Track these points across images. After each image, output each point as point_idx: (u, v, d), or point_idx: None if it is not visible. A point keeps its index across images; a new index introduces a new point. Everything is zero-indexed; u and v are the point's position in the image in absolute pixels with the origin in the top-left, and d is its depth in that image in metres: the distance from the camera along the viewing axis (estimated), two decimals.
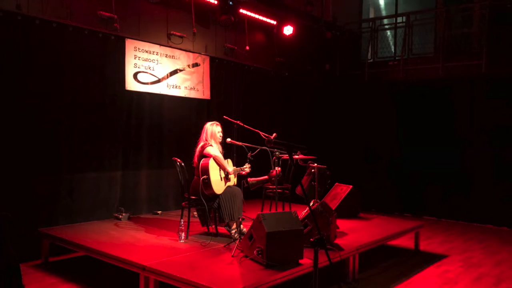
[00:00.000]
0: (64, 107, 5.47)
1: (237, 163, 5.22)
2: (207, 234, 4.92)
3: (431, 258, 5.74)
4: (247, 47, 7.67)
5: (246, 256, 3.99)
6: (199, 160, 4.75)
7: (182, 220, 4.68)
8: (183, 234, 4.62)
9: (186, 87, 6.90)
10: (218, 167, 4.74)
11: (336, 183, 6.42)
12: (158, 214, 6.30)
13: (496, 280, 4.93)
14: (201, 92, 7.14)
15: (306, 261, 3.92)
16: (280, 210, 5.11)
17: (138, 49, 6.24)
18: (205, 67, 7.18)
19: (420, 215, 8.76)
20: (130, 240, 4.69)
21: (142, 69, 6.28)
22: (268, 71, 8.41)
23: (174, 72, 6.73)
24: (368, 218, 6.29)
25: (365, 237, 5.07)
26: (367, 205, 8.35)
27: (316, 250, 2.75)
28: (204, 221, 4.93)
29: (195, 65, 7.03)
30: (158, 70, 6.50)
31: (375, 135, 9.44)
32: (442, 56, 8.55)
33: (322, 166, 5.44)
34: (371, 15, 11.48)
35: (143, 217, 6.04)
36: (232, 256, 4.06)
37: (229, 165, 4.90)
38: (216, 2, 6.91)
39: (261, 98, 8.25)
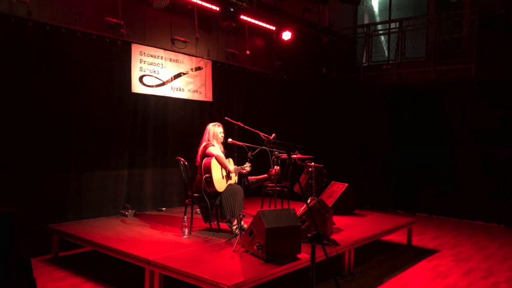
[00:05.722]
0: (73, 108, 5.47)
1: (238, 162, 5.22)
2: (210, 230, 4.92)
3: (423, 253, 5.74)
4: (248, 52, 7.67)
5: (247, 251, 3.99)
6: (201, 159, 4.75)
7: (185, 217, 4.68)
8: (186, 230, 4.63)
9: (189, 89, 6.90)
10: (219, 166, 4.74)
11: (332, 181, 6.42)
12: (162, 211, 6.29)
13: (485, 274, 4.93)
14: (204, 94, 7.14)
15: (304, 256, 3.92)
16: (279, 207, 5.11)
17: (144, 53, 6.24)
18: (207, 71, 7.18)
19: (412, 212, 8.76)
20: (136, 235, 4.69)
21: (147, 72, 6.28)
22: (268, 74, 8.41)
23: (178, 75, 6.73)
24: (363, 215, 6.28)
25: (360, 232, 5.06)
26: (362, 202, 8.37)
27: (313, 245, 2.75)
28: (206, 218, 4.93)
29: (198, 68, 7.03)
30: (163, 73, 6.50)
31: (370, 135, 9.44)
32: (434, 60, 8.55)
33: (319, 165, 5.44)
34: (366, 21, 11.48)
35: (148, 214, 6.04)
36: (233, 251, 4.06)
37: (230, 164, 4.90)
38: (218, 9, 6.92)
39: (261, 100, 8.25)
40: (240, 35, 7.64)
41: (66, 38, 5.38)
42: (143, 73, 6.23)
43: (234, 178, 4.97)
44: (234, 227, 4.67)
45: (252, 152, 5.00)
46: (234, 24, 6.98)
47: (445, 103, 8.55)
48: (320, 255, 3.49)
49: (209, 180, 4.59)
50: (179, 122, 6.77)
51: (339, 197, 6.08)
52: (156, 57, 6.41)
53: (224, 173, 4.80)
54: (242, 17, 7.26)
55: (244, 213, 4.78)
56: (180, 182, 5.97)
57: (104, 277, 4.43)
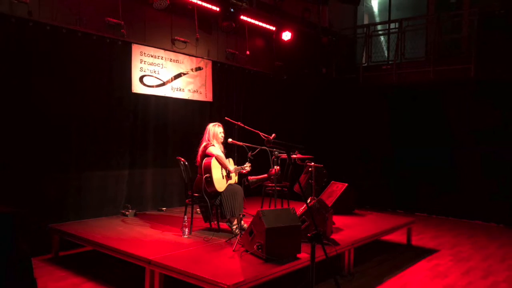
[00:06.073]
0: (74, 109, 5.47)
1: (238, 162, 5.22)
2: (210, 229, 4.92)
3: (423, 253, 5.74)
4: (248, 52, 7.67)
5: (247, 251, 3.99)
6: (201, 159, 4.75)
7: (185, 217, 4.68)
8: (186, 230, 4.63)
9: (189, 90, 6.90)
10: (220, 166, 4.75)
11: (332, 181, 6.42)
12: (162, 210, 6.30)
13: (484, 273, 4.93)
14: (204, 94, 7.14)
15: (304, 256, 3.92)
16: (279, 207, 5.11)
17: (144, 53, 6.24)
18: (207, 71, 7.18)
19: (412, 212, 8.76)
20: (137, 235, 4.69)
21: (147, 72, 6.28)
22: (268, 74, 8.41)
23: (178, 75, 6.73)
24: (363, 215, 6.28)
25: (360, 232, 5.07)
26: (361, 202, 8.37)
27: (313, 245, 2.75)
28: (206, 217, 4.93)
29: (198, 69, 7.04)
30: (163, 73, 6.50)
31: (370, 135, 9.44)
32: (433, 60, 8.55)
33: (319, 165, 5.44)
34: (365, 21, 11.48)
35: (149, 214, 6.04)
36: (234, 251, 4.07)
37: (230, 164, 4.90)
38: (218, 9, 6.92)
39: (261, 100, 8.25)
40: (240, 36, 7.64)
41: (67, 39, 5.38)
42: (143, 73, 6.23)
43: (234, 178, 4.97)
44: (234, 227, 4.67)
45: (252, 152, 5.00)
46: (234, 25, 6.98)
47: (445, 103, 8.55)
48: (320, 255, 3.49)
49: (209, 180, 4.59)
50: (179, 122, 6.77)
51: (339, 197, 6.08)
52: (157, 57, 6.41)
53: (224, 173, 4.80)
54: (242, 17, 7.26)
55: (244, 213, 4.78)
56: (180, 182, 5.96)
57: (104, 277, 4.44)
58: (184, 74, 6.82)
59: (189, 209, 4.84)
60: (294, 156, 5.18)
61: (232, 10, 6.90)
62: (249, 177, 5.34)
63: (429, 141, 8.64)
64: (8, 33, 4.87)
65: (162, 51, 6.49)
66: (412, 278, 4.70)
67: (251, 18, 7.59)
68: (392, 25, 9.76)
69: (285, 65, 8.63)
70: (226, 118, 5.36)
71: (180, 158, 4.89)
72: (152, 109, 6.40)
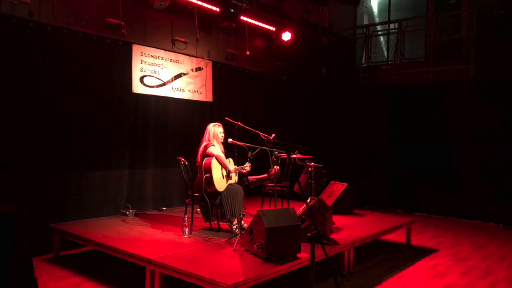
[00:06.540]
0: (74, 109, 5.47)
1: (238, 162, 5.22)
2: (210, 229, 4.92)
3: (422, 252, 5.74)
4: (248, 52, 7.67)
5: (247, 250, 3.99)
6: (202, 159, 4.75)
7: (186, 216, 4.68)
8: (187, 230, 4.63)
9: (189, 90, 6.90)
10: (220, 166, 4.75)
11: (332, 181, 6.42)
12: (163, 210, 6.30)
13: (484, 273, 4.93)
14: (204, 94, 7.14)
15: (304, 255, 3.92)
16: (279, 206, 5.11)
17: (144, 54, 6.24)
18: (207, 71, 7.18)
19: (411, 211, 8.76)
20: (137, 235, 4.69)
21: (148, 73, 6.28)
22: (268, 74, 8.41)
23: (179, 76, 6.73)
24: (362, 214, 6.28)
25: (360, 232, 5.06)
26: (361, 202, 8.34)
27: (313, 245, 2.75)
28: (207, 217, 4.93)
29: (198, 69, 7.04)
30: (163, 74, 6.50)
31: (369, 135, 9.45)
32: (432, 60, 8.55)
33: (319, 165, 5.44)
34: (365, 22, 11.49)
35: (149, 213, 6.04)
36: (234, 250, 4.07)
37: (230, 164, 4.90)
38: (218, 10, 6.92)
39: (261, 100, 8.25)
40: (240, 36, 7.64)
41: (67, 39, 5.37)
42: (143, 73, 6.23)
43: (234, 178, 4.97)
44: (234, 226, 4.67)
45: (252, 152, 5.00)
46: (234, 25, 6.98)
47: (444, 103, 8.55)
48: (319, 255, 3.49)
49: (210, 180, 4.59)
50: (179, 122, 6.77)
51: (338, 196, 6.07)
52: (157, 57, 6.41)
53: (224, 173, 4.80)
54: (242, 17, 7.26)
55: (244, 213, 4.78)
56: (181, 182, 5.97)
57: (104, 277, 4.43)
58: (185, 74, 6.82)
59: (189, 209, 4.84)
60: (294, 156, 5.18)
61: (232, 10, 6.90)
62: (249, 177, 5.34)
63: (428, 141, 8.64)
64: (8, 33, 4.86)
65: (163, 51, 6.49)
66: (412, 278, 4.70)
67: (251, 18, 7.59)
68: (392, 26, 9.76)
69: (285, 65, 8.63)
70: (226, 118, 5.36)
71: (180, 158, 4.89)
72: (152, 109, 6.40)
